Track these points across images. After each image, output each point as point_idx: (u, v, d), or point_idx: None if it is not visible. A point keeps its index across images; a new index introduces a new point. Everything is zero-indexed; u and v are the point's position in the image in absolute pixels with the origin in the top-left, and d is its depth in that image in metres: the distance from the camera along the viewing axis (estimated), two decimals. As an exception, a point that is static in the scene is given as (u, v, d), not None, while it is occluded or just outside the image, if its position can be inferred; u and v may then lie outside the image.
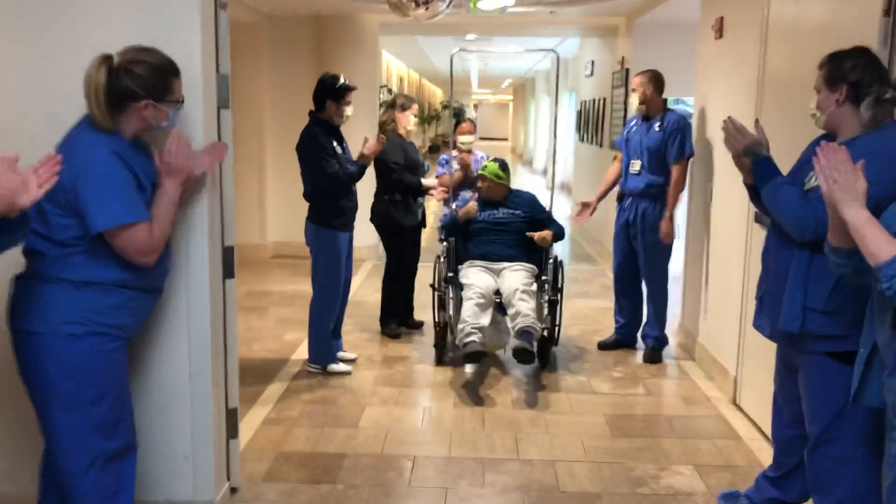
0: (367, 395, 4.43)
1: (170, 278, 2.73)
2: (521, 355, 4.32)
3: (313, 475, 3.45)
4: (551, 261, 4.96)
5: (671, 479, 3.47)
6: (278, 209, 8.22)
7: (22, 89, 2.69)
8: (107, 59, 2.36)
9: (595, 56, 10.02)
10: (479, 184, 5.06)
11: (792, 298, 2.53)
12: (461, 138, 5.60)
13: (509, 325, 4.56)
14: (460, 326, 4.44)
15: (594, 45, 10.05)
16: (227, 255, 3.02)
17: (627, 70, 7.69)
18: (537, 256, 5.00)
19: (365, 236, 8.84)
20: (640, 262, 5.12)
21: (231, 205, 3.07)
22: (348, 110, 4.57)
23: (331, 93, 4.52)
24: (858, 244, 1.97)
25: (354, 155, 4.66)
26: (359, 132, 5.49)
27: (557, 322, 4.92)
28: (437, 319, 4.97)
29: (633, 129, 5.13)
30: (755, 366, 4.12)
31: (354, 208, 4.71)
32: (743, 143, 2.77)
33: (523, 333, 4.39)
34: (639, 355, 5.19)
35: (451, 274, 4.88)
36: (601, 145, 9.10)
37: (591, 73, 10.18)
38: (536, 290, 4.70)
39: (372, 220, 5.43)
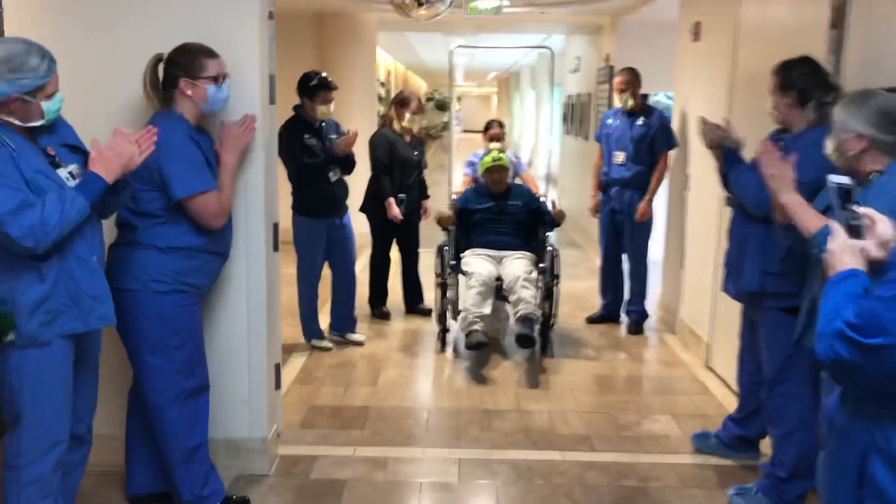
0: (381, 360, 4.96)
1: (232, 248, 3.23)
2: (523, 341, 4.57)
3: (343, 422, 3.99)
4: (549, 249, 5.17)
5: (651, 426, 4.04)
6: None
7: (89, 91, 3.10)
8: (158, 56, 2.90)
9: (581, 52, 10.54)
10: (487, 177, 5.21)
11: (752, 264, 3.09)
12: (492, 146, 5.81)
13: (510, 311, 4.87)
14: (462, 314, 4.73)
15: (580, 42, 10.57)
16: (274, 230, 3.53)
17: (612, 67, 8.23)
18: (536, 245, 5.28)
19: (365, 224, 9.42)
20: (624, 243, 5.66)
21: (275, 189, 3.57)
22: (322, 108, 4.77)
23: (304, 90, 4.79)
24: (793, 221, 2.54)
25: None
26: (356, 126, 5.46)
27: (555, 307, 5.11)
28: (439, 306, 5.18)
29: (615, 123, 5.60)
30: (724, 332, 4.68)
31: (334, 198, 4.90)
32: (714, 138, 3.35)
33: (525, 320, 4.62)
34: (622, 328, 5.74)
35: (454, 262, 5.15)
36: (586, 138, 9.63)
37: (578, 69, 10.70)
38: (535, 277, 4.94)
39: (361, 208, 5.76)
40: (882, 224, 1.81)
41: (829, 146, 2.56)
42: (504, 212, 5.20)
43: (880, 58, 3.09)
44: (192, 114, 2.91)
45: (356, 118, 7.67)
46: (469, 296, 4.75)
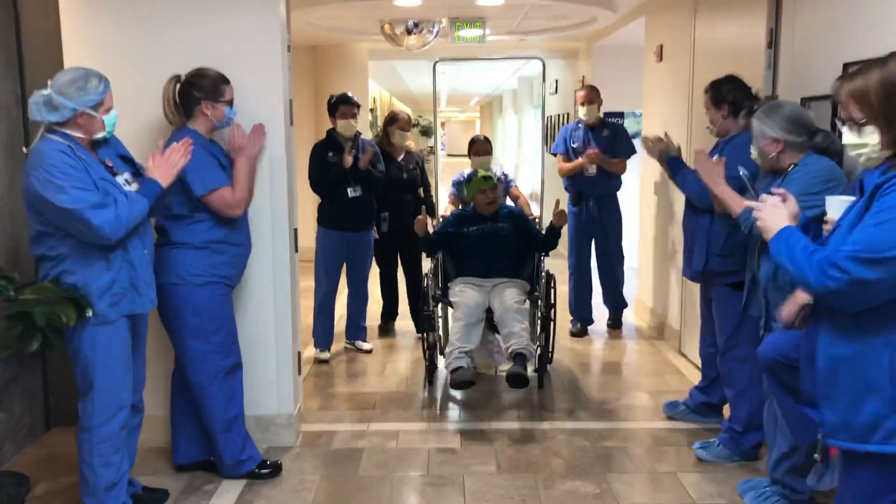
0: (386, 357, 5.48)
1: (260, 250, 3.76)
2: (515, 380, 4.11)
3: (356, 404, 4.51)
4: (543, 275, 4.86)
5: (629, 400, 4.56)
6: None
7: (125, 112, 3.64)
8: (176, 77, 3.39)
9: (559, 75, 11.16)
10: (478, 198, 4.83)
11: (700, 248, 3.66)
12: (476, 159, 5.62)
13: (502, 345, 4.39)
14: (448, 349, 4.30)
15: (558, 66, 11.19)
16: (294, 234, 4.06)
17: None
18: (529, 271, 4.99)
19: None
20: (601, 251, 5.96)
21: (295, 198, 4.09)
22: (343, 123, 5.16)
23: (329, 110, 5.30)
24: (725, 206, 3.11)
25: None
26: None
27: (552, 339, 4.78)
28: (425, 339, 4.80)
29: (579, 136, 5.84)
30: (694, 321, 5.22)
31: (352, 213, 5.21)
32: (658, 150, 3.98)
33: (517, 357, 4.21)
34: (599, 325, 6.19)
35: (438, 292, 4.85)
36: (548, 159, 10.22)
37: (556, 91, 11.31)
38: (529, 306, 4.59)
39: None
40: (790, 202, 2.35)
41: (753, 152, 3.15)
42: (494, 235, 4.81)
43: (805, 72, 3.68)
44: (205, 129, 3.40)
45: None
46: (454, 329, 4.40)
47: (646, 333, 6.05)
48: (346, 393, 4.74)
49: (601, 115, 5.91)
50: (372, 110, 13.75)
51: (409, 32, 7.26)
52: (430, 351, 4.78)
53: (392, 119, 5.72)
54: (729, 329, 3.64)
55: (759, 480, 3.32)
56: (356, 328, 5.64)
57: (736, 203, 3.05)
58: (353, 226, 5.28)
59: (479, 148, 5.66)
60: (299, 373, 4.17)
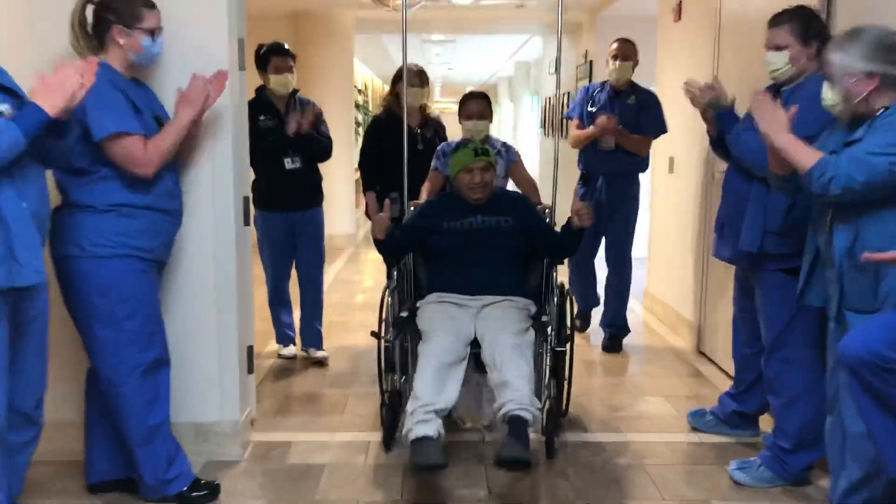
0: (359, 355, 4.75)
1: (199, 220, 3.06)
2: (509, 464, 2.70)
3: (320, 409, 3.79)
4: (556, 294, 3.39)
5: (643, 407, 3.86)
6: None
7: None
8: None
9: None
10: (464, 180, 3.38)
11: (752, 223, 2.92)
12: (467, 124, 3.86)
13: (495, 398, 2.89)
14: (410, 407, 2.83)
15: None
16: (245, 204, 3.34)
17: (591, 62, 8.14)
18: (534, 285, 3.53)
19: (343, 224, 9.25)
20: (607, 243, 4.88)
21: (245, 162, 3.40)
22: (277, 79, 4.16)
23: (259, 64, 4.24)
24: (790, 161, 2.39)
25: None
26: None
27: (566, 390, 3.37)
28: (383, 385, 3.36)
29: (601, 99, 4.75)
30: (715, 315, 4.54)
31: (291, 188, 4.25)
32: (706, 99, 3.13)
33: (514, 422, 2.76)
34: (595, 338, 5.08)
35: (403, 314, 3.33)
36: (566, 136, 9.52)
37: (555, 70, 10.62)
38: (534, 338, 3.13)
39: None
40: None
41: (830, 96, 2.42)
42: (484, 233, 3.37)
43: (870, 8, 2.98)
44: (121, 64, 2.69)
45: (332, 121, 7.46)
46: (421, 374, 2.89)
47: (656, 329, 5.34)
48: (309, 394, 4.02)
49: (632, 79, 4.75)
50: (361, 91, 13.04)
51: (397, -7, 6.54)
52: (390, 402, 3.35)
53: (400, 74, 4.19)
54: (780, 324, 2.94)
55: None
56: (308, 332, 4.55)
57: (806, 155, 2.34)
58: (296, 203, 4.32)
59: (473, 108, 3.85)
60: (250, 371, 3.46)
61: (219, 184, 3.11)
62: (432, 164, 4.06)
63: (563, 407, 3.45)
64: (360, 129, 13.69)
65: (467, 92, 4.04)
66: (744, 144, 2.93)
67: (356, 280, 7.08)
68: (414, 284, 3.60)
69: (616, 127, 4.59)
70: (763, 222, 2.89)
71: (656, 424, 3.64)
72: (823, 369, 2.90)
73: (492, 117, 3.94)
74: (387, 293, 3.36)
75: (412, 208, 3.68)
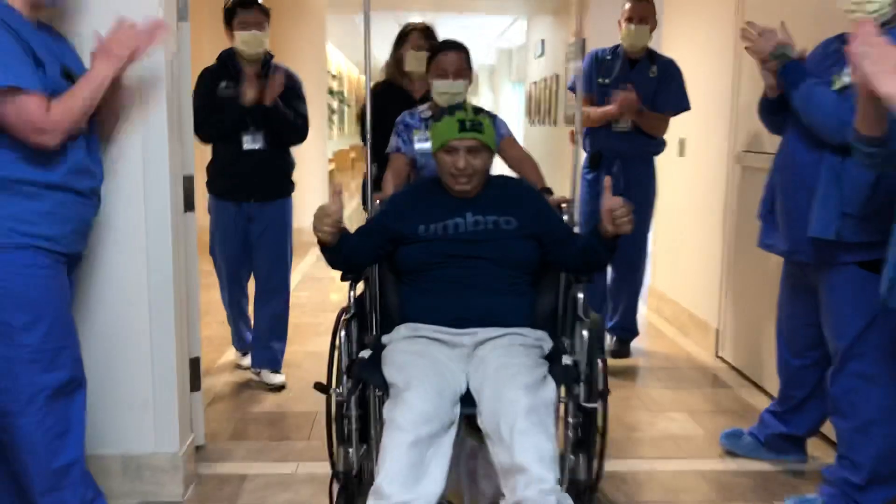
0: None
1: (126, 205, 2.46)
2: None
3: (283, 432, 3.17)
4: (582, 326, 2.28)
5: (665, 425, 3.28)
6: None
7: None
8: None
9: (546, 35, 9.89)
10: (446, 163, 2.33)
11: (825, 204, 2.34)
12: (438, 85, 2.75)
13: (499, 477, 1.98)
14: (372, 499, 1.91)
15: (544, 24, 9.92)
16: (187, 184, 2.73)
17: (584, 40, 7.54)
18: (546, 311, 2.50)
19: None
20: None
21: (189, 136, 2.78)
22: (243, 35, 3.36)
23: (225, 20, 3.47)
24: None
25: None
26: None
27: (599, 463, 2.16)
28: (334, 461, 2.24)
29: (613, 68, 3.92)
30: (737, 317, 3.98)
31: (251, 173, 3.48)
32: (770, 45, 2.51)
33: None
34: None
35: (364, 354, 2.31)
36: (555, 123, 8.95)
37: (542, 53, 10.05)
38: (555, 393, 2.07)
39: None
40: None
41: None
42: (479, 239, 2.34)
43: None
44: (22, 3, 2.06)
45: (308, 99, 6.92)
46: (387, 449, 1.95)
47: (664, 331, 4.77)
48: (270, 415, 3.39)
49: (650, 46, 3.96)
50: (335, 76, 12.38)
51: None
52: (345, 485, 2.26)
53: (402, 36, 3.50)
54: (854, 331, 2.37)
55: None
56: (263, 350, 3.70)
57: None
58: (254, 192, 3.53)
59: (447, 62, 2.75)
60: (195, 388, 2.85)
61: (152, 160, 2.50)
62: (391, 141, 2.93)
63: (594, 479, 2.20)
64: (335, 117, 13.07)
65: (439, 42, 3.04)
66: (818, 102, 2.34)
67: (328, 277, 6.42)
68: (381, 307, 2.53)
69: (638, 102, 3.75)
70: (839, 203, 2.30)
71: (684, 448, 3.07)
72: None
73: (471, 77, 2.82)
74: (341, 324, 2.24)
75: (377, 202, 2.64)
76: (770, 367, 3.58)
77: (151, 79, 2.45)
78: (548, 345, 2.30)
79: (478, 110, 2.38)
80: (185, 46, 2.71)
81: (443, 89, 2.75)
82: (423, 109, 2.91)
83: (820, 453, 2.96)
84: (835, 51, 2.42)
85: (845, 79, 2.28)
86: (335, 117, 12.44)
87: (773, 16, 3.46)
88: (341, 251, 2.30)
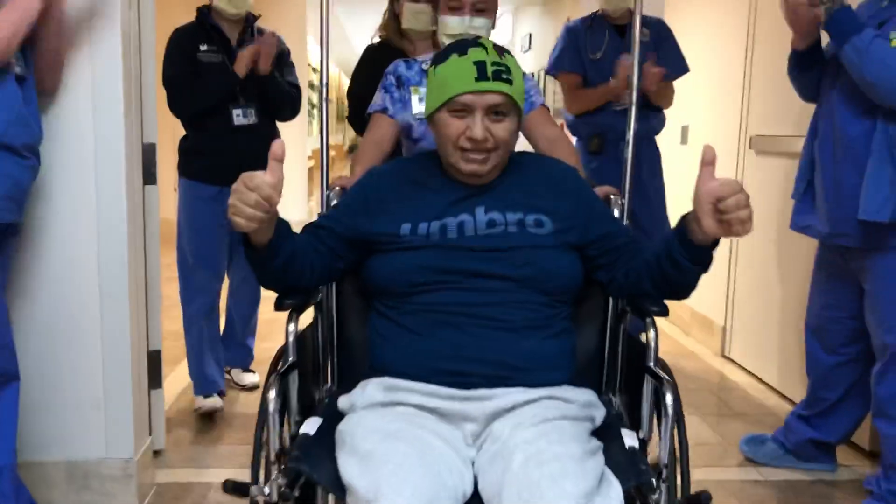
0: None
1: (73, 172, 2.14)
2: None
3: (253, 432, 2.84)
4: (658, 378, 1.52)
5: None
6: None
7: None
8: None
9: (533, 28, 9.66)
10: (451, 123, 1.54)
11: (877, 180, 2.05)
12: (449, 22, 2.04)
13: None
14: None
15: (532, 16, 9.68)
16: (147, 153, 2.40)
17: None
18: (587, 352, 1.75)
19: (294, 210, 8.25)
20: (637, 224, 3.33)
21: (152, 102, 2.45)
22: None
23: None
24: None
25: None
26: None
27: None
28: None
29: (599, 42, 3.34)
30: (745, 314, 3.71)
31: (239, 153, 2.80)
32: None
33: None
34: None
35: (308, 427, 1.51)
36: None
37: (529, 48, 9.81)
38: (621, 494, 1.26)
39: None
40: None
41: None
42: (497, 249, 1.54)
43: None
44: None
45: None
46: None
47: (664, 328, 4.50)
48: (239, 415, 3.06)
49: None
50: (315, 70, 12.01)
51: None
52: None
53: None
54: (907, 323, 2.09)
55: None
56: (237, 347, 3.35)
57: None
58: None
59: None
60: (155, 385, 2.52)
61: (105, 126, 2.16)
62: (375, 98, 2.12)
63: None
64: (315, 112, 12.71)
65: None
66: (877, 57, 2.02)
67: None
68: (340, 349, 1.80)
69: (661, 71, 3.11)
70: (893, 180, 2.01)
71: (700, 455, 2.77)
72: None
73: (495, 16, 2.12)
74: (272, 381, 1.46)
75: (335, 191, 1.86)
76: (784, 368, 3.32)
77: (104, 21, 2.12)
78: (600, 413, 1.51)
79: (502, 50, 1.58)
80: (145, -3, 2.38)
81: (455, 29, 2.00)
82: (426, 59, 2.14)
83: (850, 461, 2.68)
84: (886, 6, 2.13)
85: None
86: (315, 112, 12.09)
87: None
88: (276, 255, 1.49)
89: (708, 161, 1.33)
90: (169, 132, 2.94)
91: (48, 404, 2.19)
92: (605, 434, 1.45)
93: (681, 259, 1.45)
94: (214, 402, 3.01)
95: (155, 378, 2.52)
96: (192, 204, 2.98)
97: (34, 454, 2.15)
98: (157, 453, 2.56)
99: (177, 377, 3.38)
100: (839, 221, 2.19)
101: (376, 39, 3.03)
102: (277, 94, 2.99)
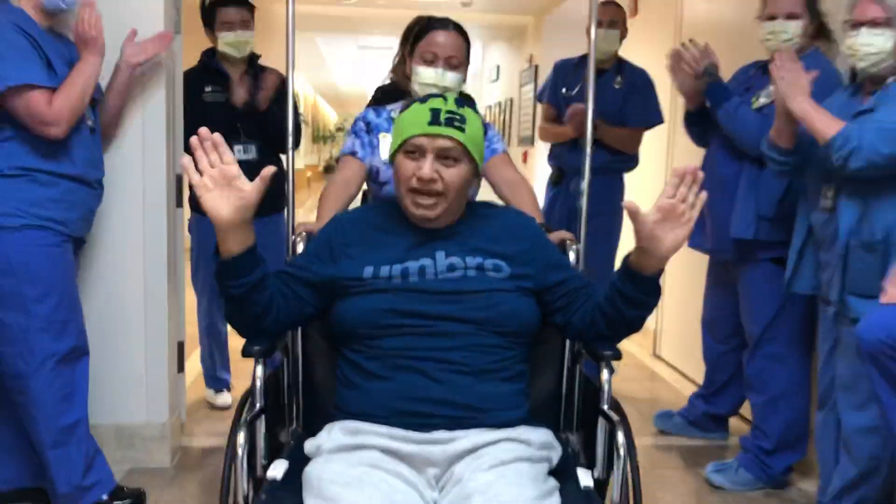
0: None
1: (127, 196, 2.74)
2: None
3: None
4: (610, 420, 1.66)
5: (607, 410, 3.64)
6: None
7: None
8: None
9: (500, 60, 10.34)
10: (404, 165, 1.66)
11: (745, 208, 2.71)
12: (422, 73, 2.13)
13: None
14: None
15: (499, 49, 10.36)
16: (178, 183, 3.01)
17: (536, 66, 7.99)
18: (542, 391, 1.85)
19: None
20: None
21: (180, 138, 3.05)
22: (227, 37, 3.18)
23: (202, 16, 3.29)
24: (808, 128, 2.20)
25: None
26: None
27: None
28: None
29: (576, 80, 3.62)
30: (673, 318, 4.36)
31: None
32: (704, 64, 2.82)
33: None
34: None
35: (275, 472, 1.60)
36: (509, 144, 9.38)
37: (497, 78, 10.48)
38: None
39: None
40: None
41: (879, 45, 2.13)
42: (456, 293, 1.64)
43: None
44: (34, 8, 2.32)
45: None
46: None
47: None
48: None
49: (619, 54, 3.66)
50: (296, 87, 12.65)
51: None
52: None
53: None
54: (766, 317, 2.75)
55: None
56: (219, 367, 3.62)
57: (827, 124, 2.14)
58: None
59: (439, 45, 2.14)
60: (181, 369, 3.11)
61: (151, 161, 2.79)
62: (345, 142, 2.29)
63: None
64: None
65: (427, 17, 2.23)
66: (742, 118, 2.70)
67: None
68: (306, 391, 1.88)
69: (582, 115, 3.12)
70: (756, 207, 2.68)
71: (622, 428, 3.42)
72: (809, 367, 2.74)
73: (467, 72, 2.20)
74: (241, 424, 1.56)
75: (301, 236, 1.98)
76: (702, 364, 3.97)
77: (151, 84, 2.75)
78: (556, 454, 1.62)
79: (463, 101, 1.72)
80: (178, 55, 3.00)
81: (428, 79, 2.10)
82: (395, 107, 2.28)
83: (740, 431, 3.34)
84: (752, 75, 2.82)
85: (763, 99, 2.68)
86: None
87: (701, 41, 3.88)
88: (248, 272, 1.58)
89: (633, 213, 1.51)
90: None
91: (102, 378, 2.74)
92: (562, 474, 1.56)
93: (632, 294, 1.58)
94: (225, 400, 3.55)
95: (180, 363, 3.11)
96: (207, 238, 3.15)
97: (91, 418, 2.69)
98: (181, 425, 3.14)
99: (189, 366, 3.96)
100: (719, 240, 2.85)
101: (387, 80, 2.87)
102: (277, 128, 3.05)
